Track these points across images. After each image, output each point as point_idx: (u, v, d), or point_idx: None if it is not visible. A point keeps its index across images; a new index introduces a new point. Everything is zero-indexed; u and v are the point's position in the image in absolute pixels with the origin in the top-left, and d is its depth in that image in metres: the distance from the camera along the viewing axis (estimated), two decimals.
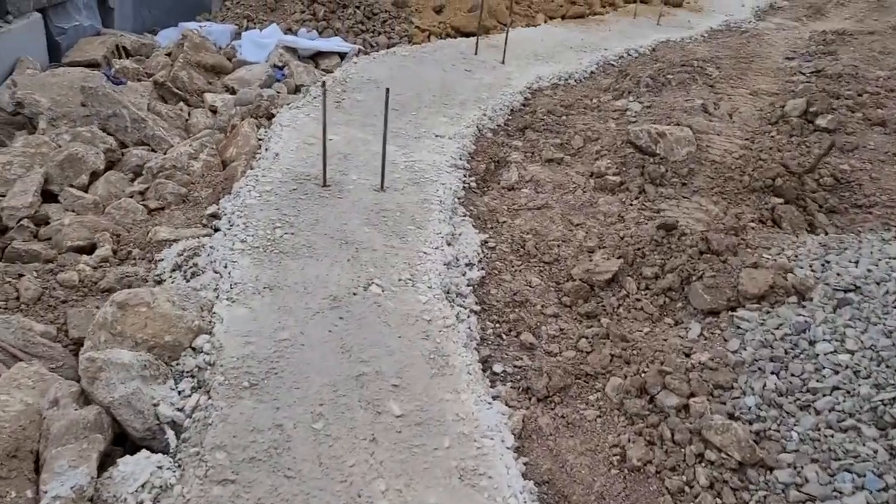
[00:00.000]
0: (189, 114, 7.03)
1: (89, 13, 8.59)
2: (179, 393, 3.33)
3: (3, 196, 5.00)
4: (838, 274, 4.23)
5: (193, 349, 3.58)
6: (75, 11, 8.33)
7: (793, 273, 4.37)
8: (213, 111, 7.10)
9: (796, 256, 4.72)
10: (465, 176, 6.05)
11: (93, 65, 7.72)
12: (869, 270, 4.19)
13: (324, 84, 5.08)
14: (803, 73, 8.57)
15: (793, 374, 3.57)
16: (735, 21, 11.44)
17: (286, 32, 8.71)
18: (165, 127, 6.30)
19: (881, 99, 7.48)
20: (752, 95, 7.79)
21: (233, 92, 7.51)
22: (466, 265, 4.83)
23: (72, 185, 5.17)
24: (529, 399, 3.81)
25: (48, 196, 5.12)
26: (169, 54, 8.15)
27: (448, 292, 4.46)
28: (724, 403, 3.56)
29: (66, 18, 8.18)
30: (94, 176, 5.39)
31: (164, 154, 5.88)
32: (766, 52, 9.59)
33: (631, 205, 5.78)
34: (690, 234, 4.87)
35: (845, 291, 4.03)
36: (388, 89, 5.13)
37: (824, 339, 3.69)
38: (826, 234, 5.46)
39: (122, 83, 7.13)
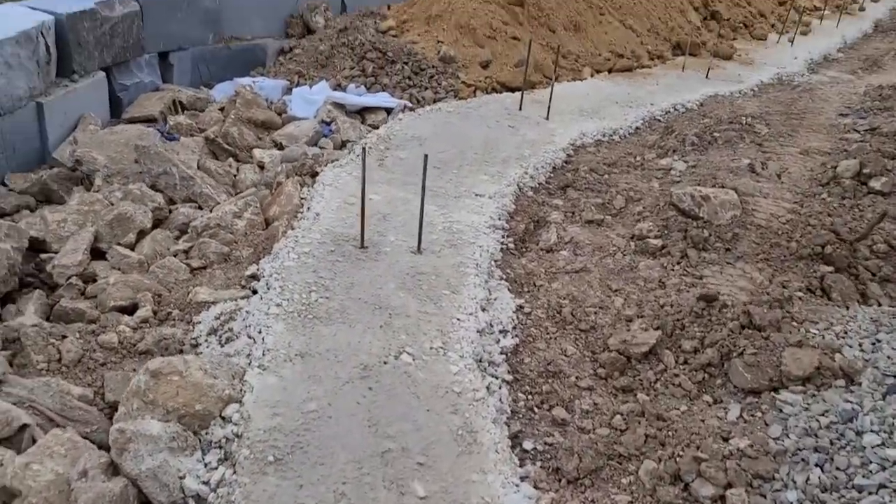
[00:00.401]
0: (237, 169, 7.24)
1: (150, 70, 8.99)
2: (206, 465, 3.35)
3: (57, 253, 5.21)
4: (889, 356, 4.03)
5: (223, 419, 3.62)
6: (137, 69, 8.74)
7: (841, 353, 4.18)
8: (261, 167, 7.30)
9: (845, 333, 4.53)
10: (503, 237, 6.03)
11: (150, 120, 8.05)
12: None
13: (363, 149, 5.17)
14: (857, 131, 8.34)
15: (838, 468, 3.39)
16: (787, 74, 11.24)
17: (335, 88, 8.93)
18: (213, 184, 6.49)
19: None
20: (803, 154, 7.60)
21: (281, 147, 7.72)
22: (500, 332, 4.79)
23: (119, 244, 5.36)
24: (559, 481, 3.71)
25: (97, 253, 5.31)
26: (222, 109, 8.44)
27: (480, 361, 4.42)
28: (764, 497, 3.39)
29: (128, 76, 8.57)
30: (142, 234, 5.57)
31: (210, 212, 6.05)
32: (818, 108, 9.37)
33: (672, 270, 5.66)
34: (732, 307, 4.73)
35: (895, 377, 3.83)
36: (426, 156, 5.18)
37: (872, 430, 3.50)
38: (879, 304, 5.24)
39: (175, 139, 7.42)
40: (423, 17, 10.36)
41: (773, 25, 14.22)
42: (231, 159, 7.41)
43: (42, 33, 6.94)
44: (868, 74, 11.76)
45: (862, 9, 17.23)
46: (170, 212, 6.05)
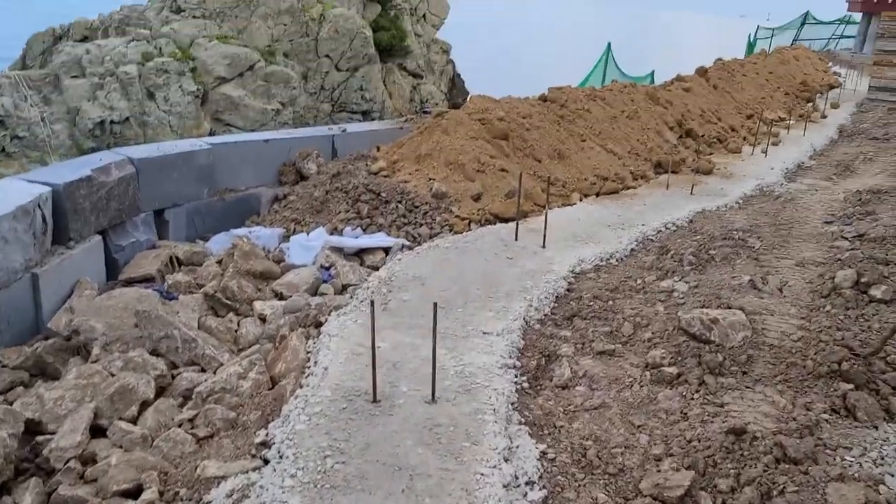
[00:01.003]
0: (238, 324, 7.16)
1: (146, 228, 9.10)
2: None
3: (54, 434, 5.00)
4: None
5: None
6: (133, 228, 8.85)
7: (885, 484, 4.00)
8: (263, 320, 7.22)
9: (882, 459, 4.36)
10: (516, 376, 5.90)
11: (148, 279, 8.05)
12: None
13: (372, 304, 5.13)
14: (846, 238, 8.46)
15: None
16: (767, 185, 11.57)
17: (332, 233, 9.04)
18: (215, 344, 6.39)
19: None
20: (799, 266, 7.65)
21: (281, 297, 7.68)
22: (527, 484, 4.56)
23: (121, 418, 5.17)
24: None
25: (97, 430, 5.11)
26: (220, 262, 8.47)
27: None
28: None
29: (124, 236, 8.66)
30: (144, 405, 5.40)
31: (214, 374, 5.91)
32: (803, 217, 9.57)
33: (692, 399, 5.51)
34: (763, 439, 4.56)
35: None
36: (435, 304, 5.15)
37: None
38: None
39: (174, 298, 7.37)
40: (413, 156, 10.70)
41: (744, 138, 14.83)
42: (232, 314, 7.35)
43: (39, 205, 7.04)
44: (843, 179, 12.14)
45: (824, 116, 18.08)
46: (173, 377, 5.90)
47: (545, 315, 7.09)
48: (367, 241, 8.90)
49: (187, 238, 9.73)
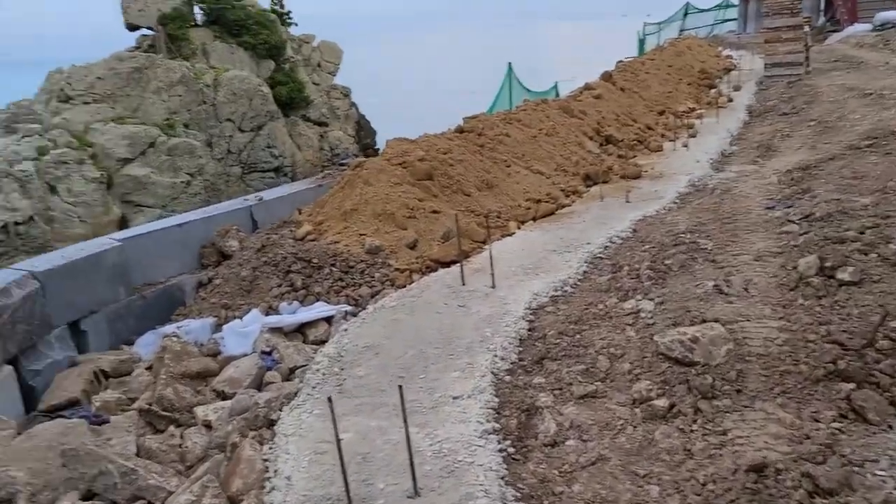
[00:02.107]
0: (182, 437, 6.40)
1: (62, 344, 8.21)
2: None
3: None
4: None
5: None
6: (47, 348, 7.95)
7: None
8: (208, 426, 6.47)
9: None
10: (499, 442, 5.37)
11: (73, 403, 7.20)
12: None
13: (330, 399, 4.52)
14: (793, 222, 8.36)
15: None
16: (698, 179, 11.51)
17: (267, 312, 8.36)
18: (159, 470, 5.62)
19: (884, 230, 7.15)
20: (758, 260, 7.44)
21: (224, 397, 6.95)
22: None
23: None
24: None
25: None
26: (150, 368, 7.68)
27: None
28: None
29: (37, 359, 7.77)
30: None
31: None
32: (743, 207, 9.47)
33: (692, 431, 5.11)
34: (787, 471, 4.17)
35: None
36: (400, 387, 4.58)
37: None
38: None
39: (105, 421, 6.56)
40: (338, 214, 10.14)
41: (662, 135, 14.91)
42: (172, 426, 6.57)
43: None
44: (767, 160, 12.23)
45: (730, 100, 18.51)
46: None
47: (513, 363, 6.59)
48: (307, 314, 8.25)
49: (111, 346, 8.83)
